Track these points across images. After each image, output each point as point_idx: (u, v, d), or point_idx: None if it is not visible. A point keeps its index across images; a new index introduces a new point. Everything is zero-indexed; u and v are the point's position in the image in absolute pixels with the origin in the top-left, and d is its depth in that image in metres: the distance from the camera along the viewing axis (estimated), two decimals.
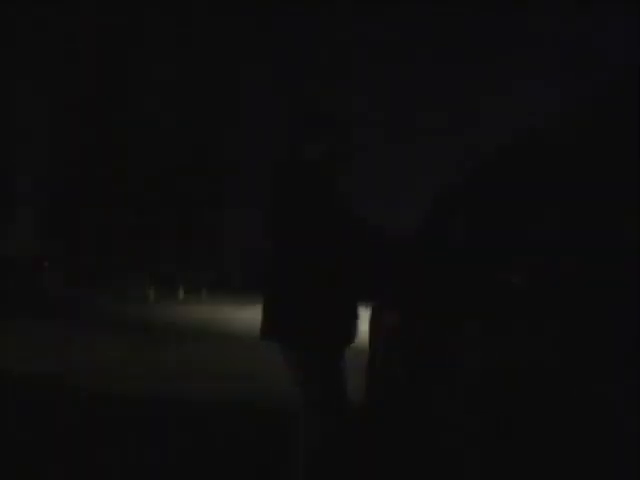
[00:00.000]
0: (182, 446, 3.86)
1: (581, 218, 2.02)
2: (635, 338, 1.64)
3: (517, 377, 2.19)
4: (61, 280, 27.58)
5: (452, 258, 3.50)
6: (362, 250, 2.48)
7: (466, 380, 2.69)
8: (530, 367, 2.10)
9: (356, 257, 2.42)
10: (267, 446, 4.01)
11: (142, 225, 31.63)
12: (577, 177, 2.12)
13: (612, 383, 1.69)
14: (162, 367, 7.15)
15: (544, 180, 2.41)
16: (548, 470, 1.96)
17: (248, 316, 18.93)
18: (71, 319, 13.48)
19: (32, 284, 25.28)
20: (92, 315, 15.22)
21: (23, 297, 20.86)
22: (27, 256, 27.26)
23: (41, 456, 3.55)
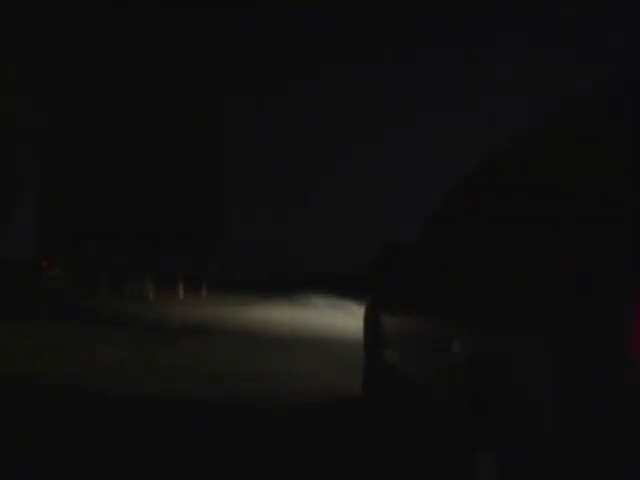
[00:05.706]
0: (182, 446, 3.87)
1: (581, 217, 2.02)
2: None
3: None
4: (61, 280, 27.58)
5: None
6: None
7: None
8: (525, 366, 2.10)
9: None
10: (267, 446, 4.01)
11: (142, 224, 31.68)
12: (577, 176, 2.12)
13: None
14: (162, 367, 7.15)
15: (544, 180, 2.41)
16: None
17: (248, 315, 18.93)
18: (70, 319, 13.49)
19: (32, 284, 25.26)
20: (91, 315, 15.23)
21: (22, 297, 20.87)
22: (27, 256, 27.27)
23: (41, 456, 3.55)
